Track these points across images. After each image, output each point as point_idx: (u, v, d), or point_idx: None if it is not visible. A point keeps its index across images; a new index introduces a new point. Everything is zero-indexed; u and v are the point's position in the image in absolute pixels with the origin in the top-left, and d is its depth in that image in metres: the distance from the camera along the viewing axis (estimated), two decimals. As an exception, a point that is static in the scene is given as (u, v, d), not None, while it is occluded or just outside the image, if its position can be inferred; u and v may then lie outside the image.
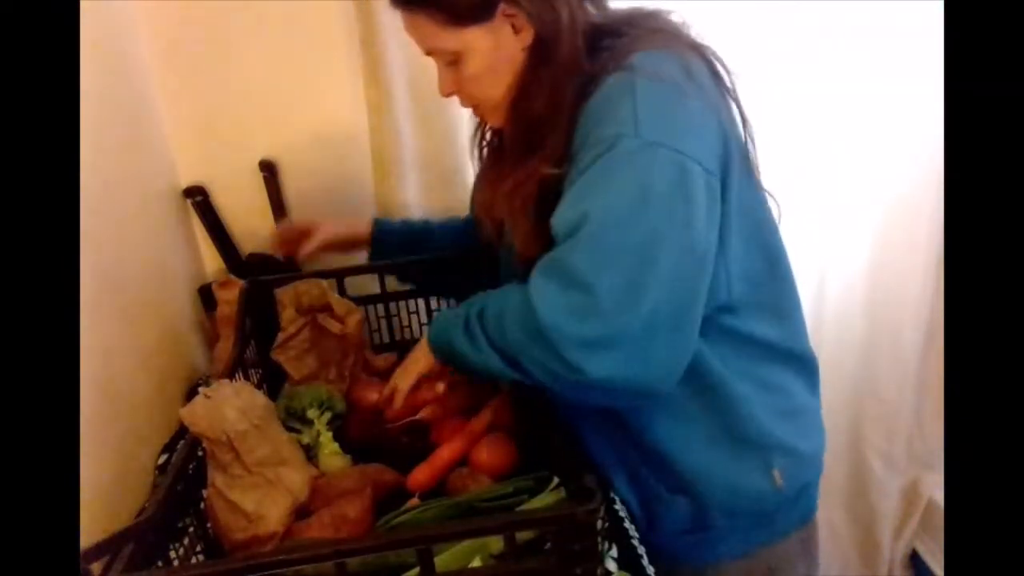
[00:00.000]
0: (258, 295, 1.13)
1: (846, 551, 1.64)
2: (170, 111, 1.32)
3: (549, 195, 0.79)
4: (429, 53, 0.86)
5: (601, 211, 0.71)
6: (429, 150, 1.34)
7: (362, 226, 1.21)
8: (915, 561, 1.63)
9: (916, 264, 1.39)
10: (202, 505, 0.83)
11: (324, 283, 1.13)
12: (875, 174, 1.37)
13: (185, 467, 0.81)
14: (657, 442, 0.87)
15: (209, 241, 1.40)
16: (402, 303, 1.25)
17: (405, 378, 0.92)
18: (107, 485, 0.97)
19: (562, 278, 0.72)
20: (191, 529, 0.80)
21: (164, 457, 1.11)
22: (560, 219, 0.75)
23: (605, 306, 0.70)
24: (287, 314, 1.12)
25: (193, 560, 0.78)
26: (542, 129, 0.81)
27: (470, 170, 1.37)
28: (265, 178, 1.37)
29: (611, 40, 0.81)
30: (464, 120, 1.33)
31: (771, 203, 0.90)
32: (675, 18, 0.86)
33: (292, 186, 1.40)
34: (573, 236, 0.72)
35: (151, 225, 1.25)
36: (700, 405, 0.85)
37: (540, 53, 0.81)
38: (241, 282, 1.20)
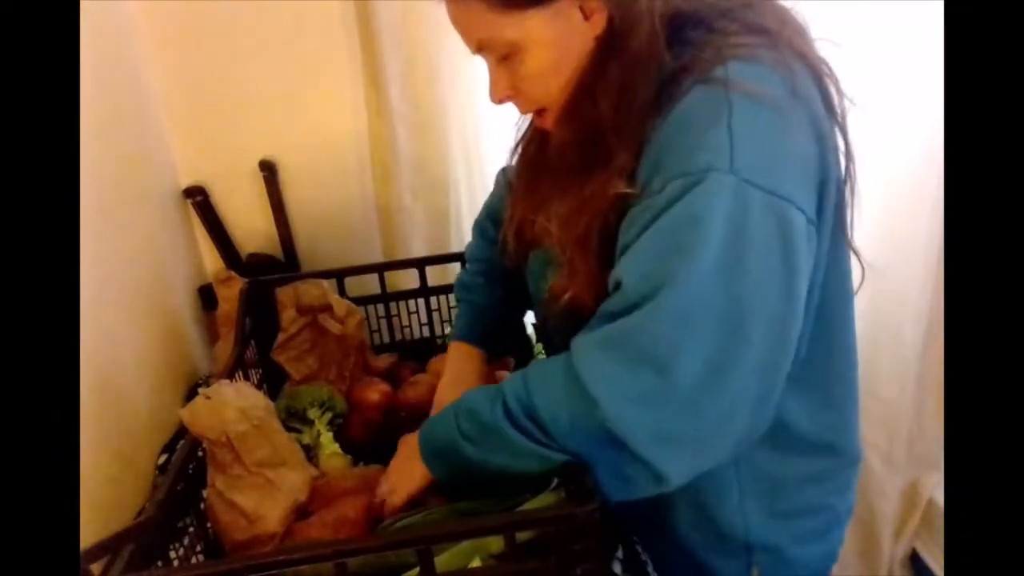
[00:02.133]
0: (258, 295, 1.13)
1: (846, 551, 1.64)
2: (170, 111, 1.32)
3: (615, 224, 0.66)
4: (479, 49, 0.69)
5: (685, 273, 0.59)
6: (421, 154, 1.34)
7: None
8: (915, 561, 1.62)
9: (916, 264, 1.39)
10: (202, 505, 0.83)
11: (324, 283, 1.13)
12: (875, 174, 1.37)
13: (185, 467, 0.81)
14: (642, 514, 0.82)
15: (209, 241, 1.40)
16: (402, 303, 1.25)
17: (396, 496, 0.79)
18: (107, 485, 0.97)
19: (632, 357, 0.60)
20: (191, 529, 0.80)
21: (164, 457, 1.11)
22: (631, 271, 0.62)
23: (683, 393, 0.59)
24: (287, 314, 1.12)
25: (193, 560, 0.78)
26: (607, 137, 0.66)
27: (461, 176, 1.37)
28: (265, 178, 1.37)
29: (698, 33, 0.66)
30: (455, 127, 1.33)
31: (855, 265, 0.75)
32: (785, 13, 0.69)
33: (292, 186, 1.40)
34: (648, 301, 0.60)
35: (151, 225, 1.25)
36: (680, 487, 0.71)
37: (612, 43, 0.65)
38: (241, 279, 1.20)
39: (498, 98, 0.72)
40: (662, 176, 0.61)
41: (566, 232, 0.69)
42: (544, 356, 1.26)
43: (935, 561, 1.56)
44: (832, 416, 0.78)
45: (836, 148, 0.68)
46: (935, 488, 1.55)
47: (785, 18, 0.69)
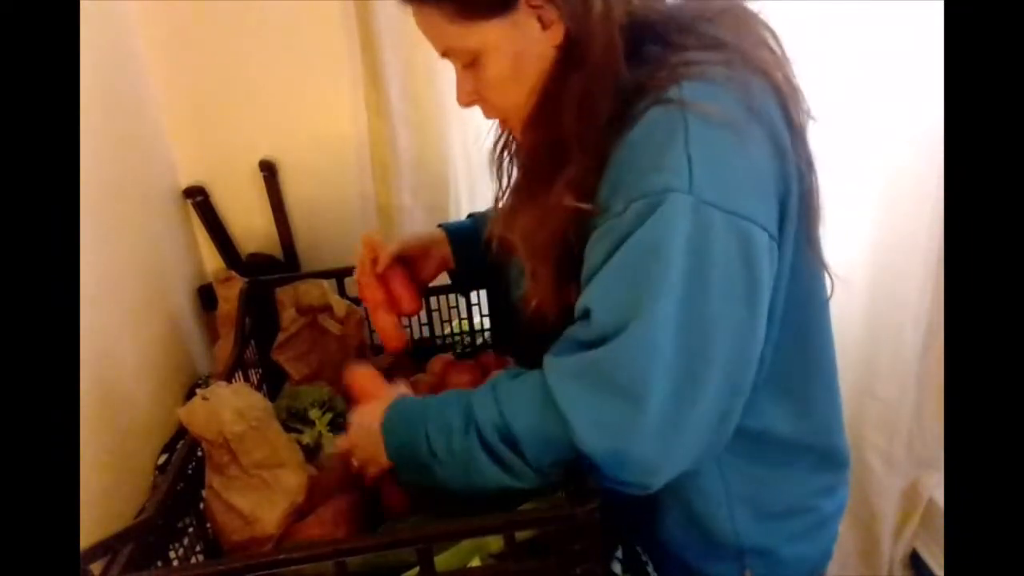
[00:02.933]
0: (258, 295, 1.13)
1: (846, 551, 1.64)
2: (170, 112, 1.32)
3: (574, 238, 0.67)
4: (444, 54, 0.72)
5: (651, 303, 0.59)
6: (421, 154, 1.34)
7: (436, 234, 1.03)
8: (915, 561, 1.62)
9: (916, 264, 1.39)
10: (202, 505, 0.83)
11: (324, 283, 1.13)
12: (875, 173, 1.37)
13: (185, 467, 0.81)
14: (634, 521, 0.83)
15: (209, 241, 1.40)
16: (402, 303, 1.25)
17: (371, 469, 0.78)
18: (107, 485, 0.97)
19: (606, 389, 0.61)
20: (191, 529, 0.80)
21: (164, 457, 1.11)
22: (599, 302, 0.62)
23: (654, 419, 0.60)
24: (287, 314, 1.12)
25: (193, 560, 0.78)
26: (567, 147, 0.66)
27: (460, 176, 1.37)
28: (265, 178, 1.37)
29: (657, 48, 0.67)
30: (455, 127, 1.33)
31: (824, 276, 0.76)
32: (746, 25, 0.70)
33: (292, 186, 1.40)
34: (618, 333, 0.60)
35: (151, 225, 1.25)
36: (669, 493, 0.73)
37: (571, 53, 0.66)
38: (242, 278, 1.20)
39: (464, 102, 0.74)
40: (622, 196, 0.62)
41: (526, 244, 0.71)
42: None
43: (935, 561, 1.56)
44: (813, 420, 0.78)
45: (798, 161, 0.68)
46: (935, 488, 1.55)
47: (746, 30, 0.69)
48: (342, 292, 1.19)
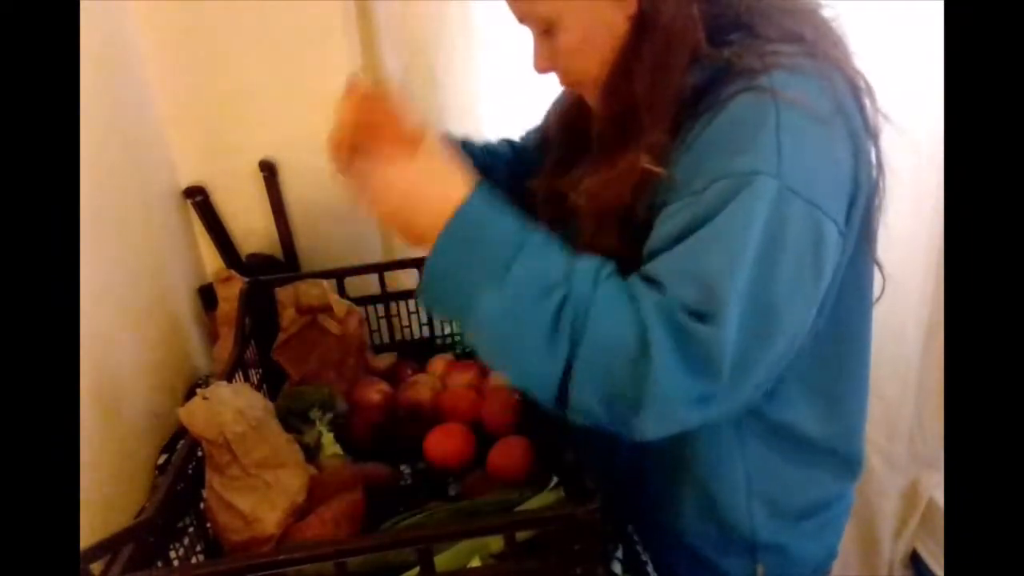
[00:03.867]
0: (258, 295, 1.13)
1: (846, 551, 1.64)
2: (170, 111, 1.32)
3: (642, 202, 0.67)
4: (522, 20, 0.73)
5: (736, 281, 0.59)
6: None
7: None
8: (915, 561, 1.62)
9: (916, 264, 1.39)
10: (202, 505, 0.83)
11: (324, 283, 1.13)
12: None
13: (185, 467, 0.81)
14: (647, 513, 0.83)
15: (209, 241, 1.40)
16: (402, 303, 1.25)
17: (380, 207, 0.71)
18: (107, 485, 0.97)
19: (701, 368, 0.60)
20: (191, 529, 0.80)
21: (164, 457, 1.11)
22: (687, 271, 0.61)
23: (723, 392, 0.61)
24: (287, 314, 1.12)
25: (193, 560, 0.78)
26: (640, 116, 0.67)
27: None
28: (265, 178, 1.37)
29: (739, 35, 0.67)
30: (455, 127, 1.32)
31: (873, 279, 0.77)
32: (824, 24, 0.70)
33: (292, 186, 1.40)
34: (721, 312, 0.59)
35: (151, 225, 1.25)
36: (691, 483, 0.77)
37: (644, 23, 0.67)
38: (242, 278, 1.20)
39: (540, 68, 0.75)
40: (703, 176, 0.62)
41: (591, 204, 0.70)
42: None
43: (935, 561, 1.56)
44: (840, 423, 0.79)
45: (870, 161, 0.69)
46: (935, 488, 1.55)
47: (824, 29, 0.70)
48: (342, 292, 1.19)
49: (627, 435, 0.63)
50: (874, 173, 0.70)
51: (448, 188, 0.64)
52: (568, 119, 0.85)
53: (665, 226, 0.64)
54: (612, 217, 0.69)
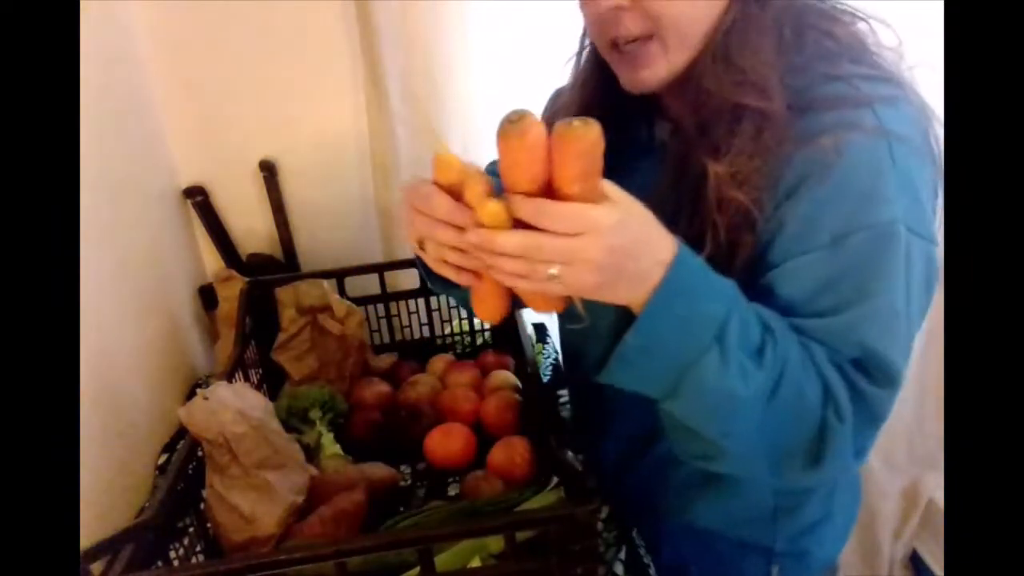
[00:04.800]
0: (258, 295, 1.14)
1: (846, 551, 1.64)
2: (170, 111, 1.32)
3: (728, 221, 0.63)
4: None
5: (899, 340, 0.62)
6: (421, 154, 1.34)
7: None
8: (915, 561, 1.62)
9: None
10: (202, 505, 0.83)
11: (324, 283, 1.14)
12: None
13: (185, 467, 0.81)
14: (665, 512, 0.84)
15: (209, 241, 1.40)
16: (402, 303, 1.25)
17: (573, 279, 0.52)
18: (107, 485, 0.97)
19: (870, 421, 0.62)
20: (191, 529, 0.80)
21: (164, 457, 1.11)
22: (850, 337, 0.60)
23: (874, 438, 0.64)
24: (287, 314, 1.12)
25: (193, 560, 0.78)
26: (767, 87, 0.61)
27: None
28: (265, 178, 1.37)
29: (817, 36, 0.64)
30: (455, 127, 1.33)
31: None
32: (889, 40, 0.68)
33: (292, 186, 1.40)
34: (893, 380, 0.61)
35: (151, 225, 1.25)
36: (716, 486, 0.77)
37: None
38: (242, 278, 1.20)
39: (613, 1, 0.63)
40: (834, 227, 0.59)
41: (742, 193, 0.61)
42: (548, 357, 1.26)
43: (935, 561, 1.56)
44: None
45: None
46: (935, 488, 1.55)
47: (895, 47, 0.68)
48: (342, 292, 1.19)
49: (771, 483, 0.66)
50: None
51: (654, 248, 0.55)
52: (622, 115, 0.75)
53: (802, 280, 0.61)
54: (755, 210, 0.62)
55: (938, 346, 1.46)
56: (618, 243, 0.51)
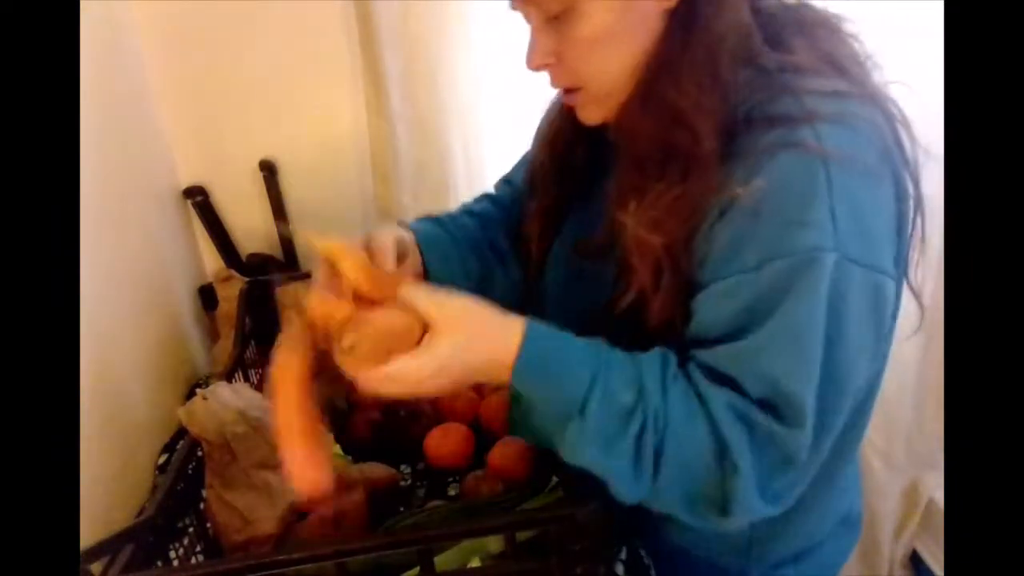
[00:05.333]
0: (258, 295, 1.13)
1: (846, 551, 1.64)
2: (170, 111, 1.32)
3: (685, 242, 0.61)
4: (527, 2, 0.62)
5: (811, 375, 0.57)
6: (421, 154, 1.34)
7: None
8: (915, 561, 1.62)
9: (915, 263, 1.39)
10: (202, 505, 0.83)
11: (324, 283, 1.13)
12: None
13: (185, 467, 0.81)
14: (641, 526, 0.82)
15: (209, 241, 1.40)
16: (402, 303, 1.25)
17: (394, 385, 0.59)
18: (107, 485, 0.97)
19: (779, 461, 0.58)
20: (191, 529, 0.80)
21: (164, 457, 1.11)
22: (762, 374, 0.57)
23: (800, 478, 0.60)
24: (287, 314, 1.12)
25: (193, 560, 0.78)
26: (693, 128, 0.59)
27: (460, 177, 1.37)
28: (265, 178, 1.37)
29: (777, 55, 0.61)
30: (455, 127, 1.33)
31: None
32: (860, 46, 0.65)
33: (292, 187, 1.40)
34: (800, 416, 0.57)
35: (151, 225, 1.25)
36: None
37: (689, 19, 0.59)
38: (243, 278, 1.20)
39: (535, 64, 0.64)
40: (756, 250, 0.57)
41: (655, 237, 0.61)
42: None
43: (935, 561, 1.56)
44: (853, 445, 0.76)
45: (909, 196, 0.63)
46: (935, 488, 1.55)
47: (856, 48, 0.65)
48: (342, 292, 1.19)
49: (706, 528, 0.62)
50: (915, 211, 0.65)
51: (493, 357, 0.59)
52: (555, 152, 0.77)
53: (720, 307, 0.59)
54: (676, 249, 0.61)
55: (938, 346, 1.45)
56: (447, 380, 0.58)
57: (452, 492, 0.93)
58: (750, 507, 0.58)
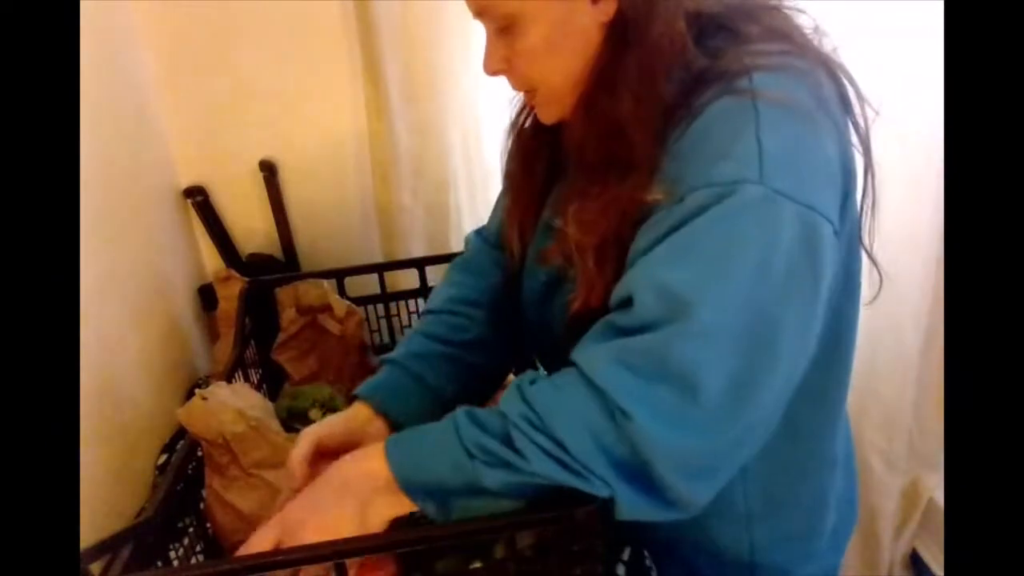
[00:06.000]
0: (258, 295, 1.14)
1: (846, 551, 1.64)
2: (170, 111, 1.32)
3: (630, 233, 0.62)
4: (478, 15, 0.66)
5: (716, 289, 0.55)
6: (421, 154, 1.35)
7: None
8: (915, 561, 1.62)
9: (916, 264, 1.39)
10: (202, 505, 0.83)
11: (324, 283, 1.14)
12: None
13: (185, 467, 0.81)
14: (655, 530, 0.80)
15: (209, 241, 1.40)
16: (402, 303, 1.25)
17: (305, 533, 0.63)
18: (107, 485, 0.97)
19: (658, 375, 0.56)
20: (191, 529, 0.80)
21: (164, 457, 1.11)
22: (648, 287, 0.57)
23: (708, 414, 0.56)
24: (287, 314, 1.12)
25: (193, 560, 0.78)
26: (629, 137, 0.62)
27: (461, 176, 1.37)
28: (265, 178, 1.37)
29: (721, 37, 0.63)
30: (455, 127, 1.33)
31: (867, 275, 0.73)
32: (804, 19, 0.67)
33: (292, 186, 1.40)
34: (672, 320, 0.56)
35: (151, 225, 1.25)
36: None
37: (625, 32, 0.62)
38: (242, 278, 1.20)
39: (491, 70, 0.68)
40: (682, 186, 0.58)
41: (587, 236, 0.64)
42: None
43: (935, 561, 1.56)
44: (832, 427, 0.76)
45: (854, 159, 0.65)
46: (935, 488, 1.55)
47: (807, 23, 0.67)
48: (342, 292, 1.19)
49: (685, 510, 0.60)
50: (865, 170, 0.67)
51: (363, 468, 0.64)
52: (525, 161, 0.80)
53: (641, 239, 0.60)
54: (609, 249, 0.63)
55: (937, 345, 1.45)
56: (312, 530, 0.63)
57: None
58: (661, 444, 0.56)
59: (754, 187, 0.55)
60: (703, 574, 0.81)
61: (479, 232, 0.94)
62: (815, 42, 0.66)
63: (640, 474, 0.58)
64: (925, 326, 1.43)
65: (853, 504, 0.87)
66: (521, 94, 0.75)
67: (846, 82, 0.65)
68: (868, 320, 1.47)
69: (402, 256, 1.36)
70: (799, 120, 0.58)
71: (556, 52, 0.64)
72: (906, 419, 1.51)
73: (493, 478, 0.59)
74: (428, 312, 0.86)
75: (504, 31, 0.64)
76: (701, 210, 0.56)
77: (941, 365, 1.44)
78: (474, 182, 1.39)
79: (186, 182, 1.37)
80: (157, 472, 1.09)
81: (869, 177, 0.67)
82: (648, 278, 0.58)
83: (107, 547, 0.65)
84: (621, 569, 0.81)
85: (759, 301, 0.56)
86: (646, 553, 0.84)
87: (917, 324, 1.43)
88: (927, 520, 1.58)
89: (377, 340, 1.26)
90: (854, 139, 0.66)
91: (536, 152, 0.78)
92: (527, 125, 0.79)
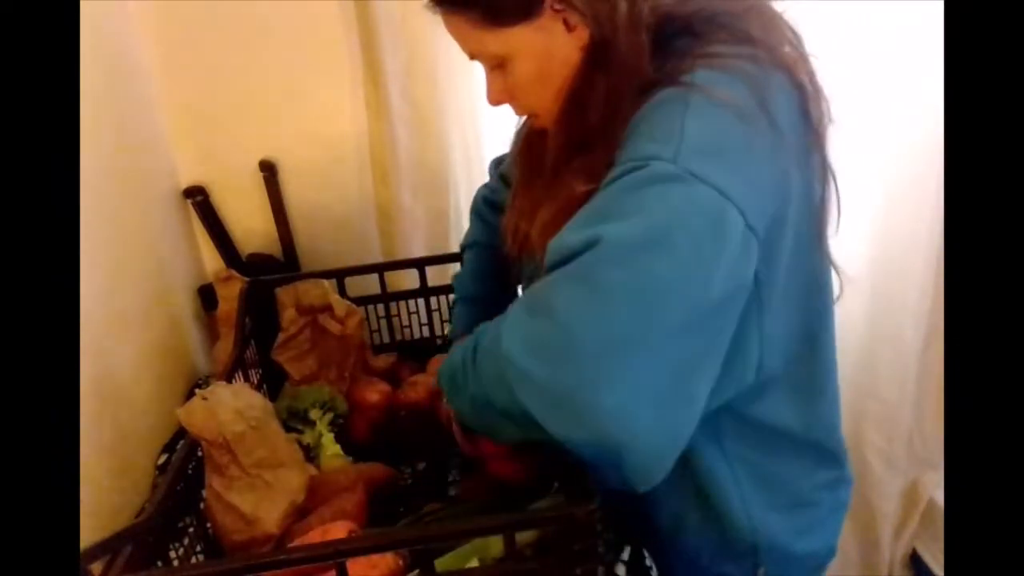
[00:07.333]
0: (258, 295, 1.13)
1: (846, 551, 1.64)
2: (170, 111, 1.32)
3: None
4: (473, 57, 0.73)
5: (608, 242, 0.58)
6: (421, 154, 1.34)
7: None
8: (915, 561, 1.62)
9: (916, 264, 1.39)
10: (202, 505, 0.83)
11: (325, 283, 1.13)
12: (874, 175, 1.37)
13: (185, 467, 0.81)
14: (654, 516, 0.83)
15: (209, 241, 1.40)
16: (402, 303, 1.25)
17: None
18: (107, 485, 0.97)
19: (538, 308, 0.61)
20: (191, 529, 0.80)
21: (164, 457, 1.11)
22: (556, 243, 0.62)
23: (582, 359, 0.58)
24: (287, 314, 1.12)
25: (193, 560, 0.78)
26: (593, 143, 0.68)
27: (460, 176, 1.37)
28: (265, 178, 1.37)
29: (684, 42, 0.67)
30: (455, 127, 1.33)
31: (831, 278, 0.77)
32: (773, 21, 0.70)
33: (292, 186, 1.40)
34: (567, 263, 0.60)
35: (151, 225, 1.25)
36: (685, 489, 0.76)
37: (596, 54, 0.67)
38: (242, 278, 1.20)
39: (494, 101, 0.75)
40: (615, 167, 0.63)
41: (544, 237, 0.68)
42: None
43: (935, 561, 1.56)
44: (815, 411, 0.80)
45: (812, 163, 0.69)
46: (935, 488, 1.55)
47: (772, 26, 0.69)
48: (342, 292, 1.19)
49: (633, 472, 0.61)
50: (820, 176, 0.70)
51: None
52: (524, 152, 0.84)
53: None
54: None
55: (937, 346, 1.46)
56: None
57: (452, 492, 0.93)
58: (524, 371, 0.59)
59: (665, 164, 0.58)
60: (706, 561, 0.82)
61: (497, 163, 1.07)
62: (785, 48, 0.69)
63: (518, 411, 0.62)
64: (925, 326, 1.43)
65: (839, 485, 0.87)
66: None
67: (806, 90, 0.68)
68: (868, 320, 1.47)
69: (402, 256, 1.36)
70: (729, 112, 0.61)
71: (547, 80, 0.70)
72: (906, 419, 1.51)
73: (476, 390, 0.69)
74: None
75: (499, 68, 0.72)
76: (612, 180, 0.61)
77: (941, 365, 1.44)
78: (474, 182, 1.39)
79: (186, 182, 1.37)
80: (157, 472, 1.09)
81: (830, 184, 0.71)
82: (556, 241, 0.63)
83: (107, 547, 0.65)
84: (621, 569, 0.81)
85: (650, 263, 0.58)
86: (646, 553, 0.84)
87: (917, 324, 1.43)
88: (927, 520, 1.58)
89: (377, 340, 1.26)
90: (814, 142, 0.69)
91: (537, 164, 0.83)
92: (529, 136, 0.84)
